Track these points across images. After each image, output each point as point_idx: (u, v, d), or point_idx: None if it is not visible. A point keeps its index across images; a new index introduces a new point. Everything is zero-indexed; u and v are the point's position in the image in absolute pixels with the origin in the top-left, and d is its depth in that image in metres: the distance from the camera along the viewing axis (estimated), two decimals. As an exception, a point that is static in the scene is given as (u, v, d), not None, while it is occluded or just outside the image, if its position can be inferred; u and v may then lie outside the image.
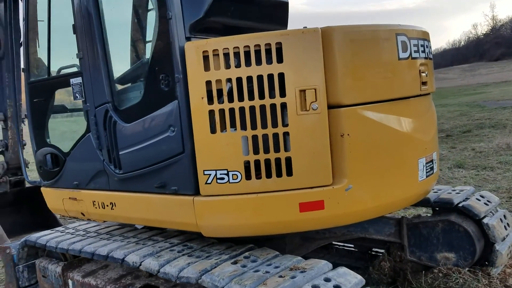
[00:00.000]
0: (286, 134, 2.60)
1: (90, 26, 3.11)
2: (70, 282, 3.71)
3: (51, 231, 4.05)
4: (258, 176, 2.63)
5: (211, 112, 2.63)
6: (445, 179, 7.46)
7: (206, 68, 2.61)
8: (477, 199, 3.82)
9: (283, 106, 2.58)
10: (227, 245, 3.01)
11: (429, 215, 4.07)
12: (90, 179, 3.38)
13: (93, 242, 3.45)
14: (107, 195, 3.28)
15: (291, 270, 2.50)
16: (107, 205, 3.29)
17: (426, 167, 3.06)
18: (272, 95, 2.58)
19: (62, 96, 3.49)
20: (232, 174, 2.64)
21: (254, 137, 2.61)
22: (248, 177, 2.63)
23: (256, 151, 2.62)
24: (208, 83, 2.61)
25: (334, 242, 4.50)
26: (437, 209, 3.90)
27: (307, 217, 2.66)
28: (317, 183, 2.63)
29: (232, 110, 2.60)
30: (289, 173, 2.62)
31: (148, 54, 3.06)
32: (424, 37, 3.13)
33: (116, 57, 3.20)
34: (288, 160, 2.62)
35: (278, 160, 2.62)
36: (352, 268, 4.21)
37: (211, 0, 2.76)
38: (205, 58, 2.61)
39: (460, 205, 3.68)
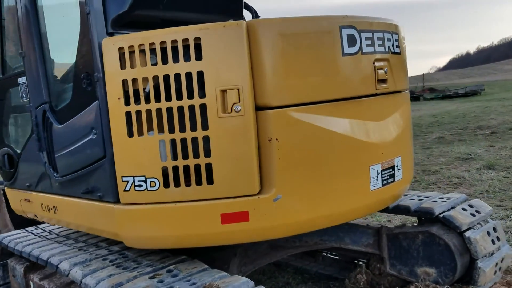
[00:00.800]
0: (206, 139, 2.36)
1: (28, 23, 2.98)
2: (31, 283, 3.63)
3: (20, 231, 4.00)
4: (177, 184, 2.41)
5: (128, 114, 2.43)
6: (470, 182, 6.95)
7: (122, 66, 2.41)
8: (463, 209, 3.43)
9: (203, 107, 2.34)
10: (162, 255, 2.80)
11: (416, 224, 3.73)
12: (37, 181, 3.27)
13: (44, 245, 3.34)
14: (50, 199, 3.16)
15: (204, 288, 2.28)
16: (51, 209, 3.17)
17: (382, 174, 2.73)
18: (190, 96, 2.34)
19: (15, 96, 3.39)
20: (150, 181, 2.43)
21: (173, 142, 2.39)
22: (166, 185, 2.41)
23: (174, 157, 2.40)
24: (125, 82, 2.41)
25: (321, 250, 4.23)
26: (423, 218, 3.55)
27: (230, 229, 2.41)
28: (241, 192, 2.38)
29: (149, 112, 2.39)
30: (210, 181, 2.38)
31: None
32: (387, 29, 2.79)
33: (57, 55, 3.05)
34: (209, 167, 2.38)
35: (198, 167, 2.38)
36: (333, 279, 3.99)
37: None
38: (122, 55, 2.41)
39: (441, 215, 3.31)
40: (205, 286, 2.30)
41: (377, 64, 2.69)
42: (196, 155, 2.37)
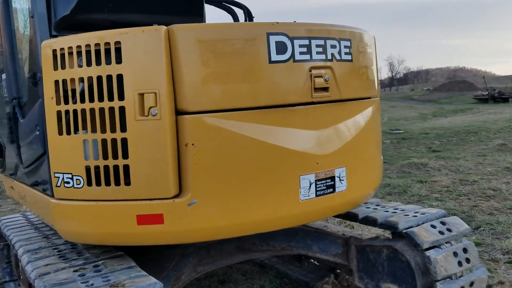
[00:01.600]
0: (124, 140, 2.43)
1: (2, 19, 3.19)
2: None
3: (18, 215, 4.30)
4: (99, 183, 2.50)
5: (59, 113, 2.55)
6: (504, 195, 6.52)
7: (55, 67, 2.53)
8: (432, 225, 3.24)
9: (122, 110, 2.41)
10: (103, 249, 2.91)
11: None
12: (15, 170, 3.51)
13: (23, 231, 3.57)
14: (21, 187, 3.38)
15: (111, 286, 2.35)
16: (23, 197, 3.39)
17: (317, 185, 2.66)
18: (111, 98, 2.42)
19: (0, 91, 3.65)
20: (76, 179, 2.54)
21: (94, 142, 2.48)
22: (89, 183, 2.51)
23: (96, 157, 2.49)
24: (56, 82, 2.53)
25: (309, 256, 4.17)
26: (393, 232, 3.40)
27: (145, 231, 2.47)
28: (157, 195, 2.43)
29: (75, 112, 2.49)
30: (127, 182, 2.45)
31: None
32: (332, 36, 2.70)
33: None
34: (126, 168, 2.44)
35: (117, 168, 2.46)
36: (310, 287, 3.92)
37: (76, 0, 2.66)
38: (55, 57, 2.53)
39: (405, 231, 3.16)
40: (112, 284, 2.37)
41: (314, 72, 2.62)
42: (115, 156, 2.44)
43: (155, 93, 2.36)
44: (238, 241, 3.43)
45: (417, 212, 3.42)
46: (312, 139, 2.65)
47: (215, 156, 2.43)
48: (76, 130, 2.51)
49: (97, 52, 2.41)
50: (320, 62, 2.65)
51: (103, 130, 2.44)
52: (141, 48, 2.37)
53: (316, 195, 2.67)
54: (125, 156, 2.43)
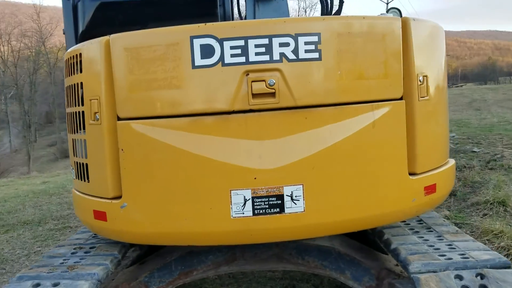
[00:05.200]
0: (85, 142, 2.70)
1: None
2: None
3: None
4: (77, 177, 2.85)
5: (67, 115, 2.99)
6: None
7: (63, 75, 2.98)
8: (458, 276, 2.38)
9: (83, 114, 2.69)
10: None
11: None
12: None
13: None
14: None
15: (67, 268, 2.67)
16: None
17: (255, 202, 2.37)
18: (77, 103, 2.72)
19: None
20: (73, 171, 2.95)
21: (71, 141, 2.84)
22: (75, 176, 2.89)
23: (73, 153, 2.84)
24: (65, 88, 2.98)
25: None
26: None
27: (99, 225, 2.70)
28: (102, 194, 2.63)
29: (67, 114, 2.91)
30: (87, 179, 2.72)
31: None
32: (282, 32, 2.32)
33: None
34: (86, 167, 2.72)
35: (83, 165, 2.76)
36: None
37: (90, 16, 3.02)
38: (66, 67, 2.96)
39: (413, 275, 2.44)
40: (68, 266, 2.70)
41: (252, 76, 2.32)
42: (81, 155, 2.75)
43: (97, 100, 2.54)
44: (277, 248, 3.28)
45: (461, 254, 2.56)
46: (249, 151, 2.36)
47: (141, 163, 2.45)
48: (68, 130, 2.91)
49: (76, 63, 2.73)
50: (261, 65, 2.31)
51: (75, 131, 2.77)
52: (91, 58, 2.58)
53: (254, 214, 2.37)
54: (85, 155, 2.70)
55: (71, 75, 2.76)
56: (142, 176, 2.46)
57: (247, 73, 2.32)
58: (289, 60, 2.32)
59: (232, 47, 2.30)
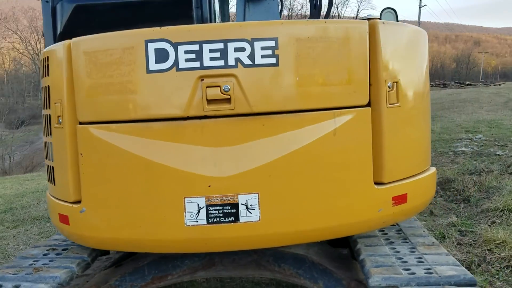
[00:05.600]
0: (51, 145, 2.71)
1: None
2: None
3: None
4: (48, 179, 2.87)
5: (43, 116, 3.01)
6: None
7: (39, 77, 3.00)
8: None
9: (50, 117, 2.70)
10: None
11: None
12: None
13: None
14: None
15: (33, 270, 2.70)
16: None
17: (209, 210, 2.32)
18: (47, 106, 2.73)
19: None
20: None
21: (44, 143, 2.85)
22: (47, 178, 2.91)
23: (45, 156, 2.86)
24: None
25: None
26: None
27: (63, 227, 2.70)
28: (65, 198, 2.63)
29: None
30: (54, 182, 2.73)
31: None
32: (238, 37, 2.27)
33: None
34: (53, 170, 2.72)
35: (50, 168, 2.77)
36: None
37: (66, 19, 3.02)
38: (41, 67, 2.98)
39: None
40: (34, 268, 2.72)
41: (207, 81, 2.27)
42: (50, 157, 2.76)
43: (60, 103, 2.54)
44: (256, 254, 3.24)
45: (427, 268, 2.46)
46: (204, 158, 2.32)
47: (99, 168, 2.44)
48: (43, 132, 2.93)
49: (46, 66, 2.75)
50: (216, 70, 2.27)
51: (46, 134, 2.78)
52: (56, 61, 2.59)
53: (208, 222, 2.33)
54: (52, 158, 2.71)
55: (43, 77, 2.77)
56: (100, 182, 2.45)
57: (201, 78, 2.27)
58: (245, 66, 2.27)
59: (186, 52, 2.26)
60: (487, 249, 4.61)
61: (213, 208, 2.32)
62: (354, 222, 2.50)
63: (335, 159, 2.41)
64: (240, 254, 3.23)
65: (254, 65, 2.27)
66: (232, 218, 2.33)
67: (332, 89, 2.39)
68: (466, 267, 4.41)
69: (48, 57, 2.65)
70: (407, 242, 2.88)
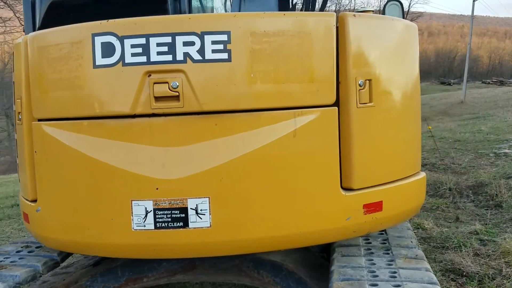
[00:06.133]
0: (16, 141, 2.66)
1: None
2: None
3: None
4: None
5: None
6: None
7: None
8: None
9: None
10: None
11: None
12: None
13: None
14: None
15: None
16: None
17: (157, 214, 2.20)
18: (13, 102, 2.69)
19: None
20: (16, 170, 2.94)
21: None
22: (18, 175, 2.87)
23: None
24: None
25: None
26: None
27: (26, 226, 2.65)
28: (26, 196, 2.57)
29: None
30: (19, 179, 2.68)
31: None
32: (187, 29, 2.13)
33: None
34: (17, 167, 2.68)
35: (17, 165, 2.72)
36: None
37: (43, 14, 2.97)
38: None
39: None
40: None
41: (154, 77, 2.14)
42: (16, 154, 2.71)
43: (20, 99, 2.49)
44: (237, 260, 3.10)
45: (396, 286, 2.24)
46: (152, 159, 2.19)
47: (51, 166, 2.37)
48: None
49: (12, 61, 2.70)
50: (164, 65, 2.13)
51: (15, 130, 2.74)
52: (18, 57, 2.53)
53: (156, 227, 2.20)
54: (17, 156, 2.66)
55: (12, 73, 2.73)
56: (52, 181, 2.37)
57: (149, 74, 2.14)
58: (194, 61, 2.12)
59: (132, 46, 2.14)
60: (505, 262, 4.26)
61: (161, 212, 2.19)
62: (318, 231, 2.31)
63: (295, 162, 2.22)
64: (222, 258, 3.10)
65: (204, 60, 2.12)
66: (181, 224, 2.19)
67: (292, 87, 2.20)
68: (478, 281, 4.11)
69: (13, 52, 2.59)
70: (388, 254, 2.65)
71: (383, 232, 2.99)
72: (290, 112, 2.20)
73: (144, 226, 2.21)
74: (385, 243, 2.83)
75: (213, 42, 2.12)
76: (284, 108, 2.20)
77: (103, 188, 2.24)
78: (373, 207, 2.40)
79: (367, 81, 2.33)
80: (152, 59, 2.13)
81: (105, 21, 2.18)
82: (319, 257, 3.13)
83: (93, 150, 2.24)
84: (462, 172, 8.89)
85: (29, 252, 2.88)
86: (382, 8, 3.69)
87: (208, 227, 2.19)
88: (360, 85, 2.30)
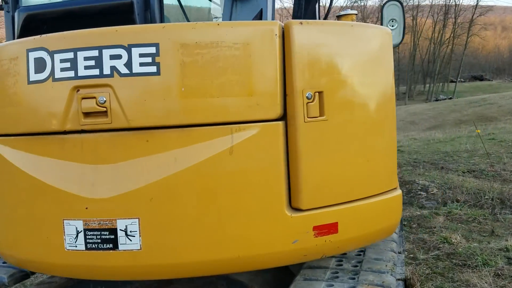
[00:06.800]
0: None
1: None
2: None
3: None
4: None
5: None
6: None
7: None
8: None
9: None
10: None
11: None
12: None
13: None
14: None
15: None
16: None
17: (87, 235, 2.11)
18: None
19: None
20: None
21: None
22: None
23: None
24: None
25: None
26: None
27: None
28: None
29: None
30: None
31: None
32: (114, 43, 2.03)
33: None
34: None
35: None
36: None
37: (20, 27, 2.96)
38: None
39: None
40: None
41: (82, 92, 2.06)
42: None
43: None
44: (214, 276, 2.98)
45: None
46: (82, 177, 2.10)
47: (-5, 182, 2.33)
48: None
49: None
50: (91, 80, 2.04)
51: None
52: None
53: (86, 248, 2.11)
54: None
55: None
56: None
57: (77, 89, 2.06)
58: (121, 75, 2.02)
59: (62, 60, 2.06)
60: (520, 286, 3.91)
61: (91, 232, 2.10)
62: (260, 255, 2.14)
63: (233, 181, 2.07)
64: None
65: (131, 74, 2.01)
66: (111, 245, 2.09)
67: (228, 102, 2.05)
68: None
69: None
70: (353, 279, 2.45)
71: (361, 253, 2.78)
72: (226, 127, 2.06)
73: (76, 246, 2.12)
74: (357, 266, 2.63)
75: (141, 55, 2.01)
76: (219, 124, 2.06)
77: (39, 206, 2.18)
78: (326, 229, 2.21)
79: (317, 93, 2.15)
80: (79, 74, 2.05)
81: (38, 36, 2.12)
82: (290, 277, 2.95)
83: (29, 167, 2.18)
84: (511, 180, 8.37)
85: (3, 262, 2.86)
86: (380, 9, 3.48)
87: (138, 249, 2.07)
88: (308, 98, 2.13)
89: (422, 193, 7.33)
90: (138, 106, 2.03)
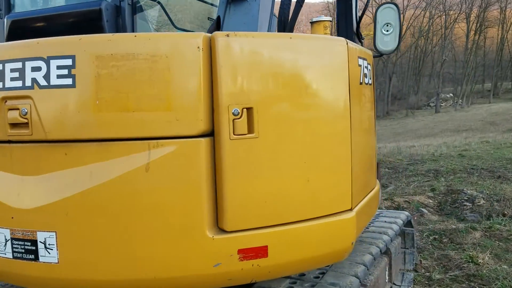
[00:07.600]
0: None
1: None
2: None
3: None
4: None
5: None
6: None
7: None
8: None
9: None
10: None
11: None
12: None
13: None
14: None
15: None
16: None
17: (13, 244, 2.13)
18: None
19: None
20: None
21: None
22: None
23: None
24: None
25: None
26: None
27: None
28: None
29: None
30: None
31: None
32: (35, 55, 2.02)
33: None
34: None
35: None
36: None
37: (7, 32, 3.06)
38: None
39: None
40: None
41: (9, 103, 2.08)
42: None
43: None
44: None
45: None
46: (10, 186, 2.12)
47: None
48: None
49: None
50: (16, 91, 2.05)
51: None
52: None
53: (13, 257, 2.14)
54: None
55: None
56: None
57: (5, 100, 2.08)
58: (41, 87, 2.01)
59: (-6, 71, 2.09)
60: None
61: (17, 242, 2.12)
62: (178, 277, 2.06)
63: (149, 198, 2.01)
64: None
65: (49, 86, 2.00)
66: (33, 256, 2.10)
67: (145, 116, 1.98)
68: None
69: None
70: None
71: (319, 275, 2.62)
72: (143, 143, 1.99)
73: (5, 254, 2.16)
74: (310, 289, 2.48)
75: (58, 67, 1.99)
76: (136, 139, 1.99)
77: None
78: (253, 252, 2.08)
79: (246, 109, 2.03)
80: (6, 85, 2.07)
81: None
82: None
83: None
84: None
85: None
86: (374, 13, 3.24)
87: (56, 263, 2.06)
88: (234, 114, 2.01)
89: (467, 204, 6.83)
90: (55, 118, 2.01)
